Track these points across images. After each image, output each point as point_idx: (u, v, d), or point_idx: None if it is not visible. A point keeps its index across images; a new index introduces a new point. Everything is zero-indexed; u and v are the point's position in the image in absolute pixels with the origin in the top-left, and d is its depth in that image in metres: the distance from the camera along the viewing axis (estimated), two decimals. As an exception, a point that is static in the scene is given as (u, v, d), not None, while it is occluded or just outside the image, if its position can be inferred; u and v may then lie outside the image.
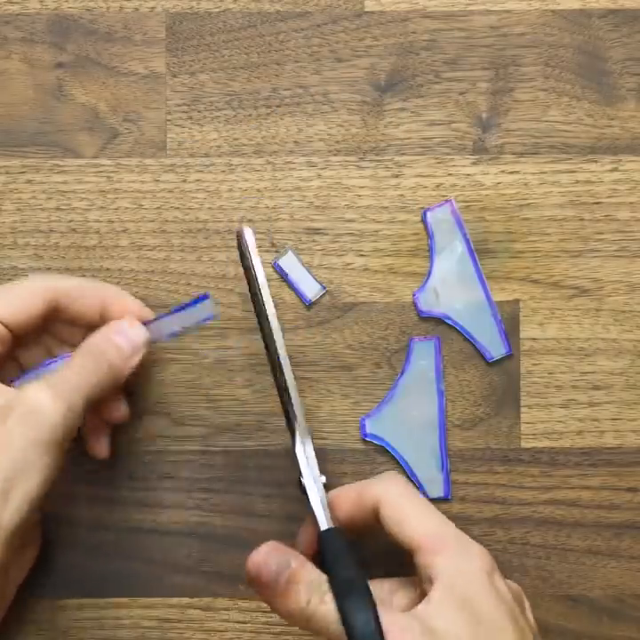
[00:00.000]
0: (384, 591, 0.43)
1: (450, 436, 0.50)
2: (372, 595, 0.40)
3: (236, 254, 0.50)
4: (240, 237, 0.45)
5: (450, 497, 0.50)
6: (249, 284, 0.45)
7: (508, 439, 0.50)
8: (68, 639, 0.49)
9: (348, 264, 0.50)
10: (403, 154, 0.50)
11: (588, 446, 0.50)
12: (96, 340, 0.45)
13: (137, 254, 0.50)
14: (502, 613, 0.40)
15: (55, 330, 0.48)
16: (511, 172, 0.50)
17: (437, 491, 0.49)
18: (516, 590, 0.44)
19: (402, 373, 0.50)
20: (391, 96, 0.50)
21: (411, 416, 0.50)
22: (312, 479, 0.44)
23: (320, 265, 0.50)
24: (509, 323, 0.50)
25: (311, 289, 0.50)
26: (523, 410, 0.50)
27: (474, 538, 0.49)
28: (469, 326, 0.50)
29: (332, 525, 0.43)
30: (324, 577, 0.41)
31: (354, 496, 0.44)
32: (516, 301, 0.50)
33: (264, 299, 0.44)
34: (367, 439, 0.50)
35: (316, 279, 0.50)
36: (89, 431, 0.48)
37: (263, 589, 0.41)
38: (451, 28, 0.50)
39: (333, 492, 0.45)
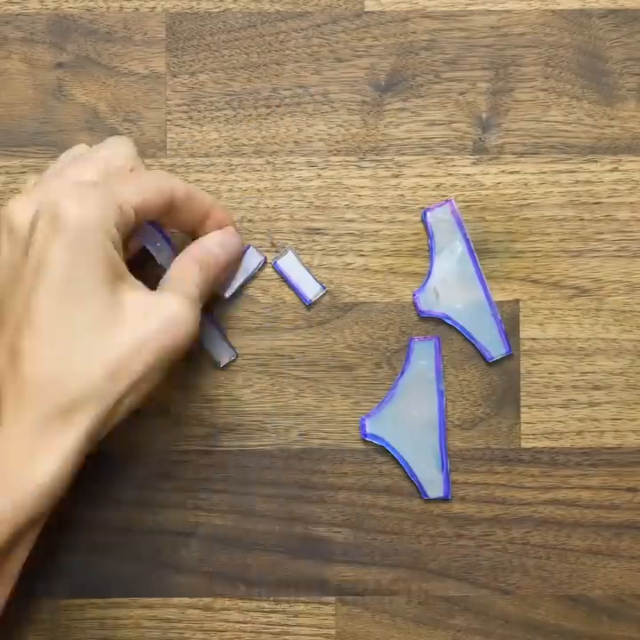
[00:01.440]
0: None
1: (450, 436, 0.50)
2: None
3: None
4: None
5: (450, 497, 0.50)
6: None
7: (508, 439, 0.50)
8: (68, 639, 0.49)
9: (348, 264, 0.50)
10: (403, 154, 0.50)
11: (588, 446, 0.50)
12: (210, 245, 0.47)
13: (137, 254, 0.50)
14: None
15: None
16: (511, 172, 0.50)
17: (437, 491, 0.49)
18: None
19: (402, 373, 0.50)
20: (391, 96, 0.50)
21: (411, 416, 0.50)
22: None
23: (320, 265, 0.50)
24: (509, 323, 0.50)
25: (311, 289, 0.50)
26: (523, 410, 0.50)
27: (473, 538, 0.49)
28: (469, 326, 0.50)
29: None
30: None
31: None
32: (516, 301, 0.50)
33: None
34: (367, 439, 0.50)
35: (316, 279, 0.50)
36: None
37: None
38: (451, 28, 0.50)
39: None
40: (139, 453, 0.50)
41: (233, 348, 0.50)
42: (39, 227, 0.41)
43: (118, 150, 0.45)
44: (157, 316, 0.42)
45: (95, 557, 0.49)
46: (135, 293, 0.43)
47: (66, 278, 0.41)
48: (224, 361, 0.50)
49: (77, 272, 0.41)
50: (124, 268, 0.43)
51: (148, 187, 0.44)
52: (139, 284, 0.43)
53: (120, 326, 0.42)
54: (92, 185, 0.43)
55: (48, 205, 0.41)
